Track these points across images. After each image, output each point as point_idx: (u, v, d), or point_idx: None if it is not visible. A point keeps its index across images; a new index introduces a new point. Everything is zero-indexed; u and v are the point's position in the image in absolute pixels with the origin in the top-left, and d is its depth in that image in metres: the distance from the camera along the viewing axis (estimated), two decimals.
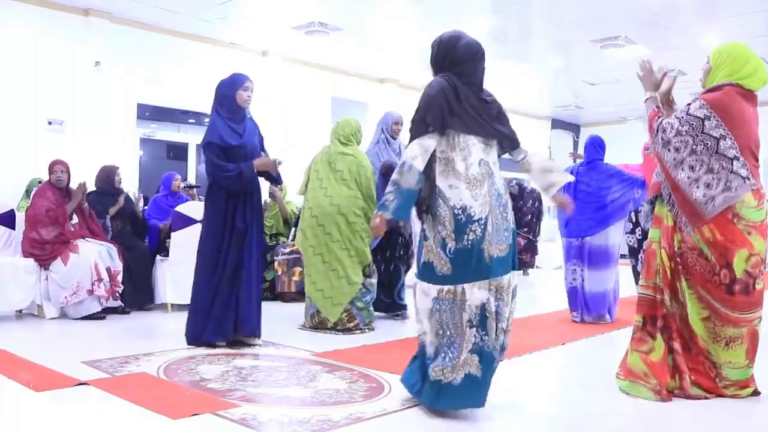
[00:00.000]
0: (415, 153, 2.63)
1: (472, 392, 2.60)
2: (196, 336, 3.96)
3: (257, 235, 4.08)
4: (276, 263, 6.17)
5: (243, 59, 8.67)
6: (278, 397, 2.91)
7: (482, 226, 2.60)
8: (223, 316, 3.93)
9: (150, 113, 8.16)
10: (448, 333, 2.61)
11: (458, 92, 2.69)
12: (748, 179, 2.91)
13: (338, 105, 9.62)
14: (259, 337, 4.10)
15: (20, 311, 5.08)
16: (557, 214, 5.47)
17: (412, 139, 2.68)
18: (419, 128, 2.67)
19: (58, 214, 5.05)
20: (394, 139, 5.39)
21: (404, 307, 5.16)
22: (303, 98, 9.17)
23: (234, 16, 7.45)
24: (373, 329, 4.62)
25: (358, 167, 4.63)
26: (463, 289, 2.59)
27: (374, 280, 4.71)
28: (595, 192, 5.10)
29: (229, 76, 4.07)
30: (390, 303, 5.13)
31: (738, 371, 3.00)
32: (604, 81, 10.50)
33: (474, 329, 2.59)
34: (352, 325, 4.53)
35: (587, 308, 5.13)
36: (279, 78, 8.94)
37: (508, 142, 2.82)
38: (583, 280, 5.12)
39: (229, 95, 3.99)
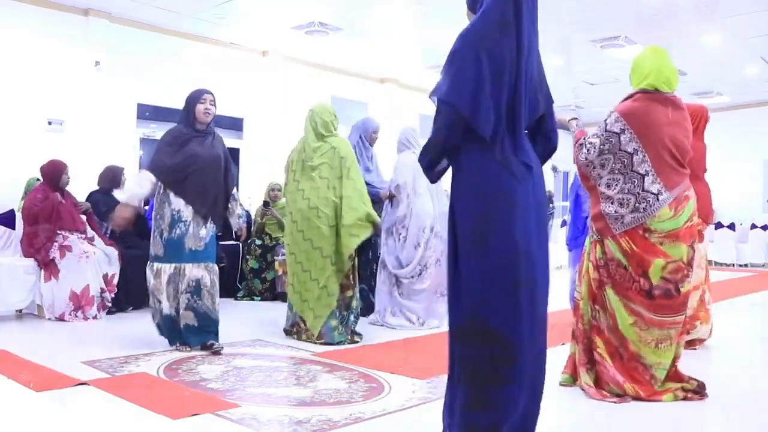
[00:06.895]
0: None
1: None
2: None
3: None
4: (276, 263, 6.17)
5: (243, 59, 8.69)
6: (278, 397, 2.91)
7: (186, 226, 3.77)
8: None
9: (150, 113, 8.16)
10: (157, 295, 3.81)
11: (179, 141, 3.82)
12: (661, 194, 2.91)
13: (338, 105, 9.60)
14: None
15: (20, 311, 5.08)
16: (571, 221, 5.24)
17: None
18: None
19: (49, 211, 5.01)
20: (371, 145, 5.33)
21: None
22: (303, 98, 9.17)
23: (234, 15, 7.45)
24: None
25: (339, 159, 4.09)
26: (167, 267, 3.77)
27: (352, 293, 4.22)
28: None
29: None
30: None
31: (666, 371, 3.01)
32: (604, 81, 10.51)
33: (164, 294, 3.78)
34: (320, 342, 4.07)
35: None
36: (279, 78, 8.95)
37: None
38: None
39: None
